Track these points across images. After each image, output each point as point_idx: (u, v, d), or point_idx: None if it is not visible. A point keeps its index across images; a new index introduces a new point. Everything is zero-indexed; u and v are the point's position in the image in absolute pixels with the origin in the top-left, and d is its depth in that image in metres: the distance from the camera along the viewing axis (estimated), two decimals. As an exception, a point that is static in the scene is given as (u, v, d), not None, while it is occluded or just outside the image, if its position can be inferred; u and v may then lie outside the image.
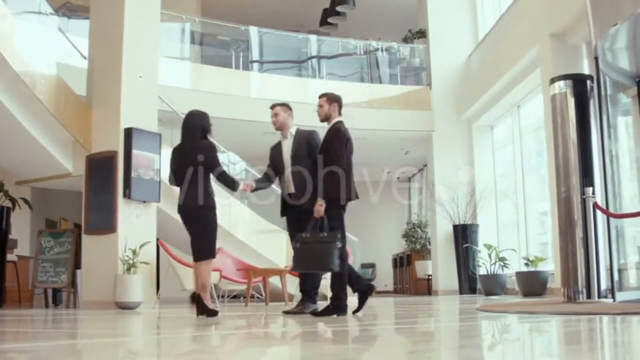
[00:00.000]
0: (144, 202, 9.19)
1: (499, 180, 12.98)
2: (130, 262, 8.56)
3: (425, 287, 14.45)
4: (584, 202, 6.21)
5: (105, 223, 8.93)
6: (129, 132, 9.05)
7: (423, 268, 14.58)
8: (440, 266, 13.13)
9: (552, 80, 6.67)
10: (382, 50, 14.43)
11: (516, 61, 10.64)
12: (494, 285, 11.11)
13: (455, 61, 13.61)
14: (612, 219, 6.19)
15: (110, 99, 9.20)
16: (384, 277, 17.95)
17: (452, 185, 12.38)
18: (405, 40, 14.46)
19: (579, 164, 6.35)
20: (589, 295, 6.13)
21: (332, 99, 5.89)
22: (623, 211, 6.50)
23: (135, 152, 9.04)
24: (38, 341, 3.79)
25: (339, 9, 14.36)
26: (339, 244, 5.33)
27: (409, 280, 15.78)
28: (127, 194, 8.95)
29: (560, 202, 6.47)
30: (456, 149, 13.26)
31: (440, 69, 13.61)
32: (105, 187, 9.02)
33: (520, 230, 11.74)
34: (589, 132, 6.42)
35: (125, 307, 8.50)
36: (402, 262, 16.54)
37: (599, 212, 6.23)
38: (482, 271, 11.54)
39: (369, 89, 13.91)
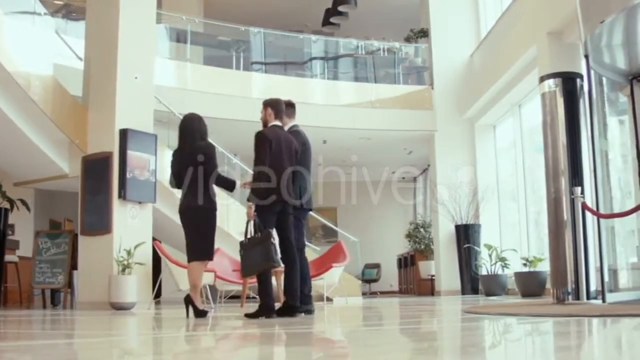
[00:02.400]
0: (140, 202, 9.21)
1: (501, 179, 12.88)
2: (125, 262, 8.58)
3: (429, 288, 14.37)
4: (572, 202, 6.13)
5: (100, 224, 8.95)
6: (124, 133, 9.06)
7: (426, 268, 14.51)
8: (443, 266, 13.06)
9: (542, 79, 6.60)
10: (383, 51, 14.38)
11: (515, 60, 10.55)
12: (494, 285, 11.02)
13: (457, 60, 13.53)
14: (602, 220, 6.11)
15: (105, 100, 9.22)
16: (389, 277, 17.88)
17: (454, 185, 12.31)
18: (408, 39, 14.39)
19: (568, 163, 6.26)
20: (577, 297, 6.05)
21: (266, 105, 5.97)
22: (617, 211, 6.41)
23: (130, 152, 9.05)
24: (10, 341, 3.78)
25: (340, 8, 14.35)
26: (273, 240, 5.44)
27: (413, 280, 15.70)
28: (122, 195, 8.97)
29: (550, 202, 6.39)
30: (458, 149, 13.19)
31: (442, 68, 13.53)
32: (100, 188, 9.04)
33: (522, 231, 11.64)
34: (579, 131, 6.33)
35: (119, 307, 8.52)
36: (406, 263, 16.46)
37: (589, 213, 6.14)
38: (483, 271, 11.46)
39: (371, 89, 13.86)
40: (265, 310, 5.53)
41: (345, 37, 14.63)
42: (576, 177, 6.23)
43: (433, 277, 13.98)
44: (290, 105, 6.33)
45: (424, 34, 14.15)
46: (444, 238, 13.02)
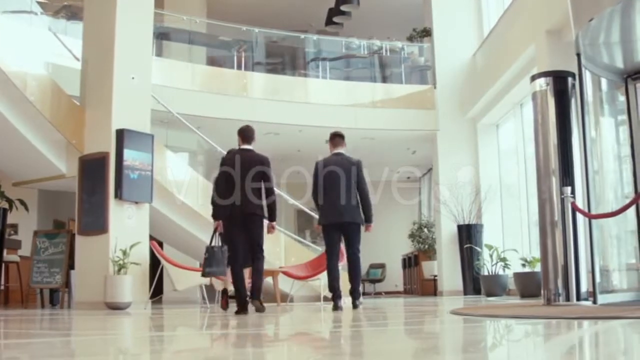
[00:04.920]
0: (136, 203, 9.21)
1: (504, 179, 12.78)
2: (121, 262, 8.58)
3: (432, 288, 14.30)
4: (563, 202, 6.05)
5: (97, 224, 8.96)
6: (120, 133, 9.07)
7: (430, 268, 14.44)
8: (445, 267, 12.99)
9: (533, 78, 6.54)
10: (386, 50, 14.32)
11: (515, 59, 10.48)
12: (495, 286, 10.95)
13: (460, 60, 13.45)
14: (594, 220, 6.03)
15: (102, 100, 9.23)
16: (395, 277, 17.80)
17: (456, 185, 12.24)
18: (410, 39, 14.32)
19: (559, 163, 6.18)
20: (567, 298, 5.97)
21: None
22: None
23: (127, 153, 9.06)
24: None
25: (343, 8, 14.32)
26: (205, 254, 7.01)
27: (417, 280, 15.62)
28: (118, 195, 8.97)
29: (541, 202, 6.32)
30: (461, 148, 13.11)
31: (445, 68, 13.45)
32: (97, 188, 9.05)
33: (523, 231, 11.55)
34: (570, 130, 6.25)
35: (115, 307, 8.52)
36: (410, 263, 16.39)
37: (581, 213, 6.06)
38: (484, 272, 11.38)
39: (373, 88, 13.80)
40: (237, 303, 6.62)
41: (348, 37, 14.58)
42: (567, 176, 6.15)
43: (436, 278, 13.91)
44: (337, 136, 7.48)
45: (426, 33, 14.08)
46: (446, 238, 12.95)
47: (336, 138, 7.47)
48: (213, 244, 6.99)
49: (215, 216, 6.92)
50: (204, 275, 7.20)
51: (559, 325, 3.81)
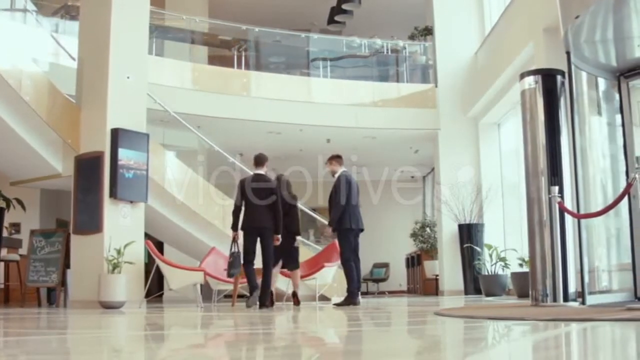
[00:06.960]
0: (131, 202, 9.22)
1: (505, 178, 12.69)
2: (115, 262, 8.60)
3: (434, 287, 14.23)
4: (551, 202, 5.99)
5: (91, 223, 8.98)
6: (115, 133, 9.08)
7: (432, 268, 14.37)
8: (446, 266, 12.92)
9: (522, 76, 6.46)
10: (387, 50, 14.26)
11: (515, 58, 10.39)
12: (494, 285, 10.88)
13: (461, 59, 13.35)
14: (583, 220, 5.96)
15: (97, 100, 9.25)
16: (399, 276, 17.73)
17: (457, 184, 12.16)
18: (412, 37, 14.26)
19: (547, 162, 6.12)
20: (555, 298, 5.91)
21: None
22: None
23: (121, 152, 9.07)
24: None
25: (345, 7, 14.28)
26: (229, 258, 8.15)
27: (420, 280, 15.56)
28: (113, 194, 8.99)
29: (529, 202, 6.26)
30: (462, 148, 13.03)
31: (446, 66, 13.37)
32: (92, 187, 9.07)
33: (524, 230, 11.44)
34: (558, 130, 6.18)
35: (109, 306, 8.54)
36: (413, 262, 16.32)
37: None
38: (484, 271, 11.31)
39: (375, 87, 13.74)
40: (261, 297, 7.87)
41: (349, 36, 14.54)
42: (555, 176, 6.09)
43: (437, 277, 13.85)
44: (339, 156, 8.60)
45: (428, 32, 14.00)
46: (447, 238, 12.88)
47: (339, 158, 8.57)
48: (233, 250, 8.07)
49: (233, 228, 8.04)
50: (229, 275, 8.28)
51: (529, 326, 3.77)
